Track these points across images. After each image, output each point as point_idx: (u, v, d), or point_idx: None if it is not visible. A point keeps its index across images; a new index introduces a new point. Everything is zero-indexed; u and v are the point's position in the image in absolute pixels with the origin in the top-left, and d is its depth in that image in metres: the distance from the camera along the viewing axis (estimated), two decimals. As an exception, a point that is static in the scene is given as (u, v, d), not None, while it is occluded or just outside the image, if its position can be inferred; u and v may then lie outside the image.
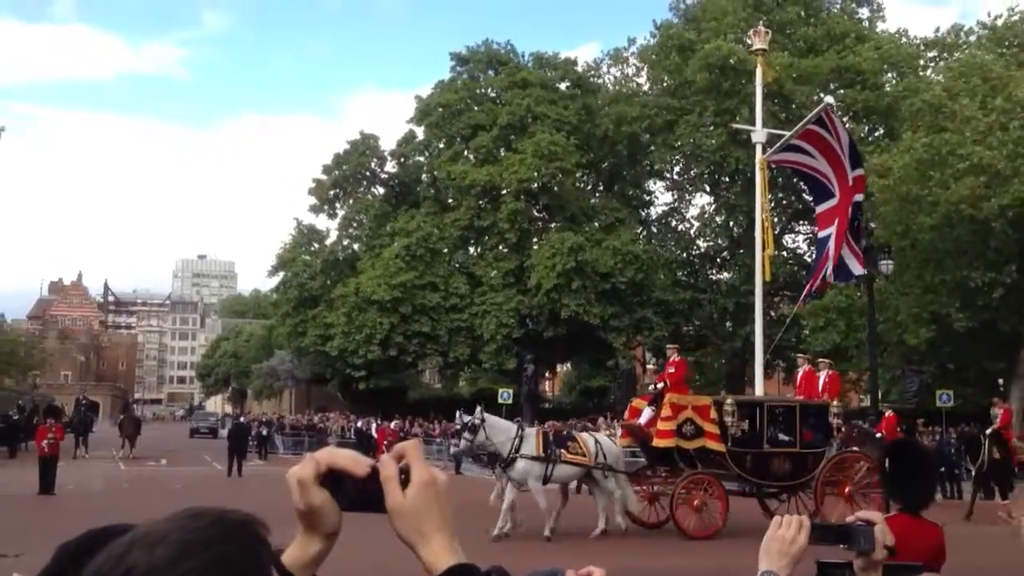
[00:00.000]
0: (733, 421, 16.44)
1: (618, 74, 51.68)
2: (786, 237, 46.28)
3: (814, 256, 27.89)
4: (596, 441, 16.36)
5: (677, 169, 47.74)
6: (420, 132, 48.26)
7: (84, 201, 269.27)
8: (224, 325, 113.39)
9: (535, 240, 45.46)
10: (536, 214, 46.22)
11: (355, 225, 48.42)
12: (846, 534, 2.11)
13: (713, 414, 16.28)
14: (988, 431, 21.68)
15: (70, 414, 43.01)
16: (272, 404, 69.88)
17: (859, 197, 21.80)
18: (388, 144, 48.91)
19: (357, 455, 1.29)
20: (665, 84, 45.85)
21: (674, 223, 49.10)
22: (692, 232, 47.48)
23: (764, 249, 31.89)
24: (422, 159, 48.96)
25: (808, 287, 23.76)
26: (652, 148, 44.54)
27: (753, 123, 33.92)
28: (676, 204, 49.00)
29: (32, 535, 14.48)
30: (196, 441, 53.58)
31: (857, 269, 21.14)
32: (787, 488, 16.93)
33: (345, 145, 47.89)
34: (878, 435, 23.56)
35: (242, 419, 40.61)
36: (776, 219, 43.56)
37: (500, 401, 34.90)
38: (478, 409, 16.30)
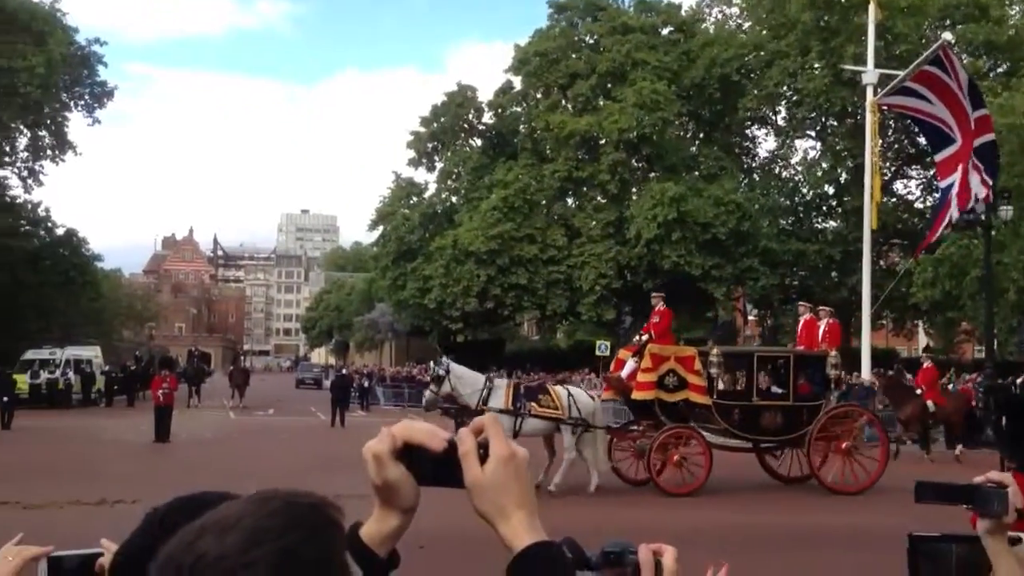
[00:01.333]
0: (719, 372, 15.72)
1: (720, 16, 50.20)
2: (897, 183, 44.42)
3: (935, 205, 26.61)
4: (569, 394, 15.56)
5: (781, 114, 46.13)
6: (518, 82, 47.80)
7: (194, 157, 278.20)
8: (327, 278, 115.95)
9: (634, 190, 44.71)
10: (636, 164, 45.40)
11: (453, 177, 48.47)
12: (976, 494, 1.94)
13: (698, 365, 15.56)
14: None
15: (183, 365, 44.70)
16: (373, 356, 71.43)
17: (989, 137, 20.60)
18: (486, 95, 48.64)
19: (435, 428, 1.25)
20: (768, 24, 44.23)
21: (778, 170, 47.60)
22: (797, 179, 45.98)
23: (873, 196, 30.79)
24: (519, 110, 48.51)
25: (928, 237, 22.66)
26: (754, 93, 43.05)
27: (862, 63, 32.66)
28: (780, 150, 47.44)
29: (148, 482, 15.04)
30: (301, 392, 55.07)
31: (980, 206, 20.00)
32: (780, 443, 16.21)
33: (442, 97, 47.77)
34: (918, 390, 22.81)
35: (344, 371, 41.43)
36: (887, 164, 41.92)
37: (598, 353, 34.70)
38: (443, 359, 15.92)
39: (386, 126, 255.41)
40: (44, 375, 36.03)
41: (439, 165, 48.86)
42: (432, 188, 49.17)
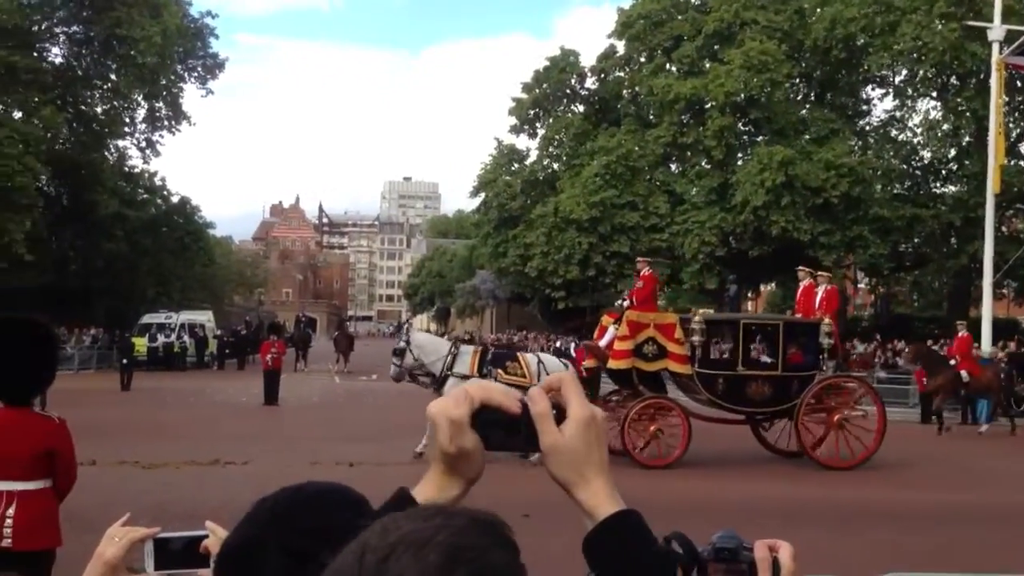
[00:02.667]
0: (700, 340, 14.79)
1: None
2: (1023, 145, 42.07)
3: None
4: (539, 361, 14.98)
5: (901, 74, 44.07)
6: (621, 47, 46.97)
7: (302, 126, 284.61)
8: (429, 245, 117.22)
9: (740, 155, 43.55)
10: (742, 128, 44.18)
11: (555, 144, 48.10)
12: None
13: (679, 333, 14.81)
14: None
15: (291, 330, 45.89)
16: (474, 322, 71.96)
17: None
18: (590, 60, 47.99)
19: (508, 389, 1.20)
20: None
21: (894, 133, 45.61)
22: (915, 141, 43.97)
23: (997, 158, 29.23)
24: (623, 74, 47.72)
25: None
26: (870, 51, 41.19)
27: (989, 19, 30.91)
28: (897, 112, 45.42)
29: (258, 444, 15.44)
30: (404, 357, 55.75)
31: None
32: (768, 415, 15.39)
33: (545, 63, 47.31)
34: (952, 360, 21.78)
35: (445, 336, 41.84)
36: (1013, 125, 39.74)
37: (702, 322, 34.02)
38: (403, 330, 15.66)
39: (490, 93, 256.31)
40: (161, 339, 37.49)
41: (541, 132, 48.55)
42: (534, 155, 48.97)
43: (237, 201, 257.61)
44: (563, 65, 46.91)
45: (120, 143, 46.38)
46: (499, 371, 14.38)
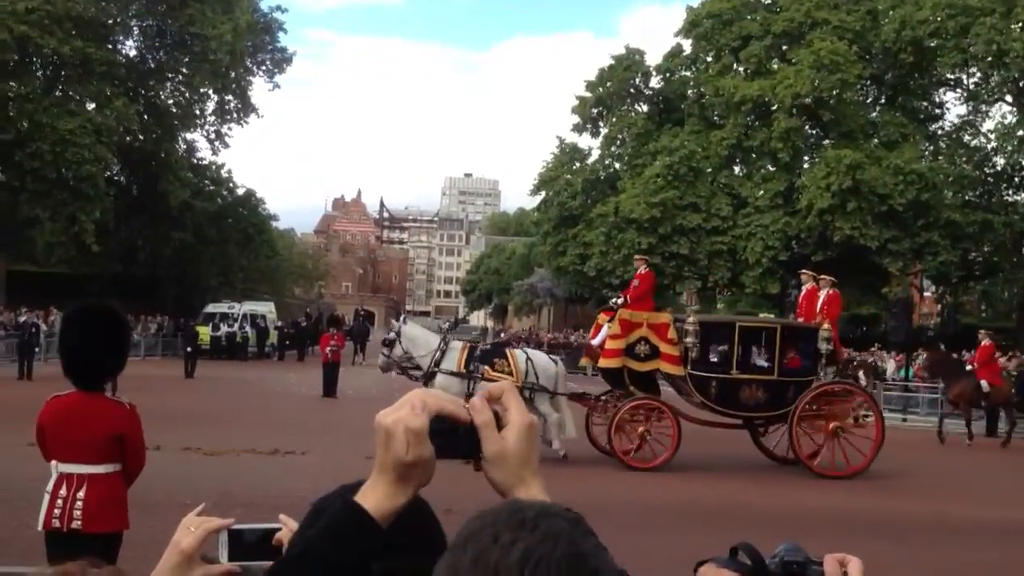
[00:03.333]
0: (694, 342, 14.43)
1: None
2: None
3: None
4: (528, 359, 14.69)
5: (974, 78, 42.94)
6: (688, 46, 46.53)
7: (365, 121, 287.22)
8: (487, 242, 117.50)
9: (807, 158, 42.84)
10: (809, 131, 43.46)
11: (617, 143, 47.79)
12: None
13: (672, 334, 14.44)
14: None
15: (350, 323, 46.34)
16: (531, 320, 71.97)
17: None
18: (655, 59, 47.61)
19: (454, 398, 1.23)
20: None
21: (967, 138, 44.48)
22: (988, 147, 42.81)
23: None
24: (688, 74, 47.26)
25: None
26: (940, 54, 40.20)
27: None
28: (970, 116, 44.28)
29: (316, 436, 15.60)
30: (461, 352, 55.96)
31: None
32: (762, 420, 14.96)
33: (610, 61, 47.07)
34: (969, 367, 21.27)
35: (502, 335, 41.90)
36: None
37: (762, 326, 33.61)
38: (396, 322, 15.35)
39: (553, 91, 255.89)
40: (224, 328, 38.15)
41: (603, 130, 48.28)
42: (595, 154, 48.71)
43: (300, 194, 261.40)
44: (628, 64, 46.58)
45: (189, 135, 47.38)
46: (486, 368, 14.21)
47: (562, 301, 59.16)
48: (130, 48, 44.40)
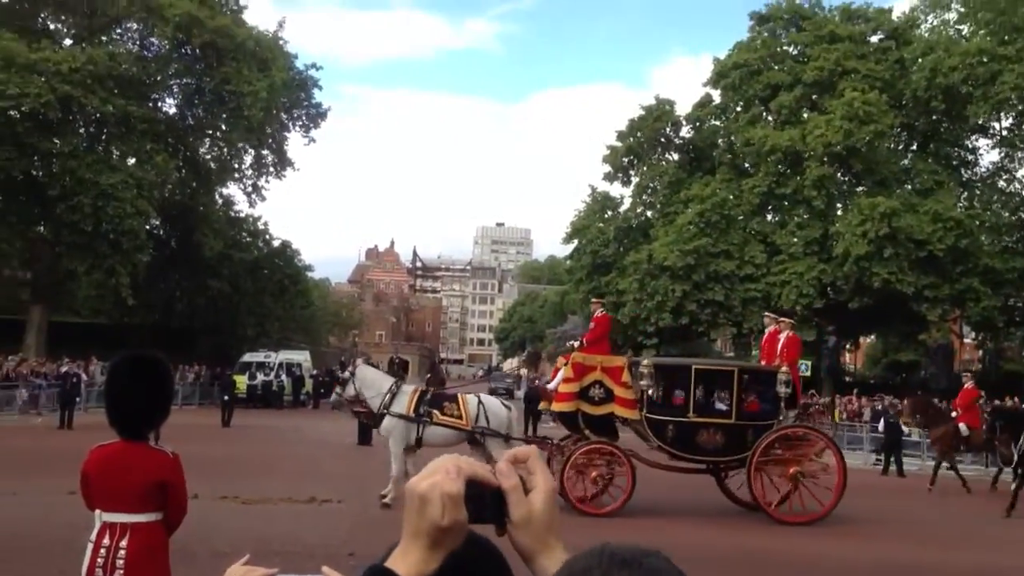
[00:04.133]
0: (649, 385, 14.26)
1: (936, 21, 47.28)
2: None
3: None
4: (479, 403, 14.46)
5: (1007, 123, 42.74)
6: (716, 95, 46.85)
7: (397, 172, 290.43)
8: (520, 290, 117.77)
9: (840, 206, 42.69)
10: (842, 178, 43.38)
11: (649, 192, 47.99)
12: None
13: (626, 377, 14.25)
14: None
15: (385, 372, 46.33)
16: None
17: None
18: (684, 109, 47.95)
19: (483, 464, 1.22)
20: (990, 29, 41.21)
21: (1001, 183, 44.14)
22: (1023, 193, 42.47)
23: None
24: (718, 123, 47.50)
25: None
26: (972, 102, 40.09)
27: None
28: (1004, 162, 43.98)
29: (352, 483, 15.65)
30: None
31: None
32: (720, 465, 14.69)
33: (640, 111, 47.47)
34: (953, 412, 21.08)
35: (537, 382, 41.72)
36: None
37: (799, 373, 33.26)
38: (353, 362, 15.50)
39: (583, 141, 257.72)
40: (260, 377, 38.48)
41: (635, 179, 48.54)
42: (627, 202, 48.92)
43: (334, 243, 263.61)
44: (658, 114, 46.93)
45: (226, 190, 48.26)
46: (435, 412, 14.16)
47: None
48: (170, 106, 45.57)
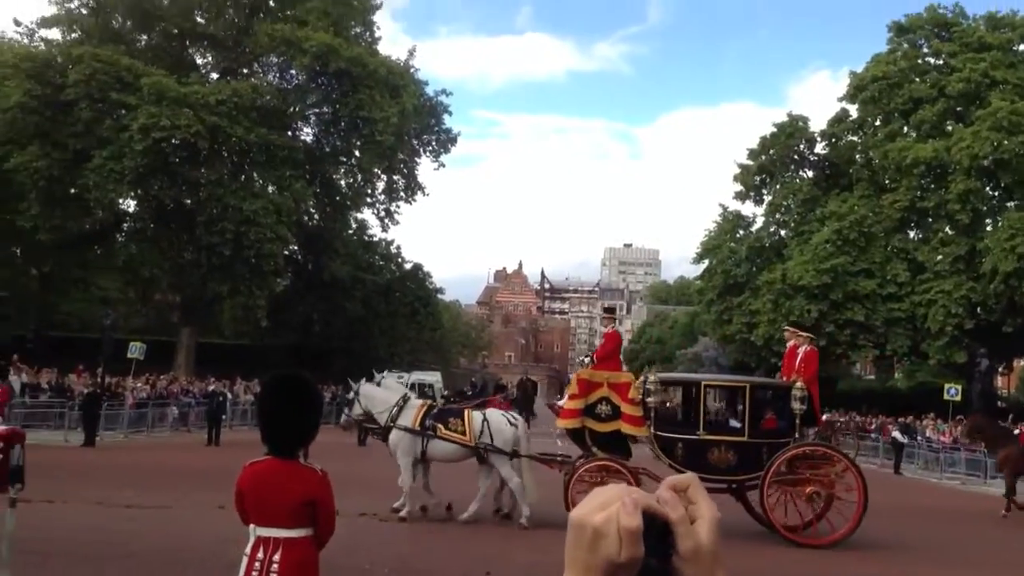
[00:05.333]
0: (656, 402, 13.59)
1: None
2: None
3: None
4: (484, 419, 14.11)
5: None
6: (853, 110, 45.38)
7: (526, 195, 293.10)
8: (649, 311, 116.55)
9: (988, 220, 40.56)
10: (990, 192, 41.23)
11: (782, 210, 46.82)
12: None
13: (634, 393, 13.56)
14: None
15: (514, 391, 46.59)
16: (696, 391, 70.35)
17: None
18: (819, 125, 46.68)
19: (650, 494, 1.16)
20: None
21: None
22: None
23: None
24: (855, 139, 45.99)
25: None
26: None
27: None
28: None
29: (485, 501, 15.72)
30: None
31: None
32: (734, 484, 13.68)
33: (772, 129, 46.44)
34: (1016, 430, 20.09)
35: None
36: None
37: (947, 397, 31.73)
38: (357, 384, 15.19)
39: (713, 160, 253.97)
40: (393, 397, 39.18)
41: (767, 198, 47.47)
42: (760, 221, 47.88)
43: (464, 265, 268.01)
44: (791, 130, 45.82)
45: (359, 215, 49.71)
46: (439, 426, 14.10)
47: (727, 370, 57.65)
48: (307, 134, 47.37)
